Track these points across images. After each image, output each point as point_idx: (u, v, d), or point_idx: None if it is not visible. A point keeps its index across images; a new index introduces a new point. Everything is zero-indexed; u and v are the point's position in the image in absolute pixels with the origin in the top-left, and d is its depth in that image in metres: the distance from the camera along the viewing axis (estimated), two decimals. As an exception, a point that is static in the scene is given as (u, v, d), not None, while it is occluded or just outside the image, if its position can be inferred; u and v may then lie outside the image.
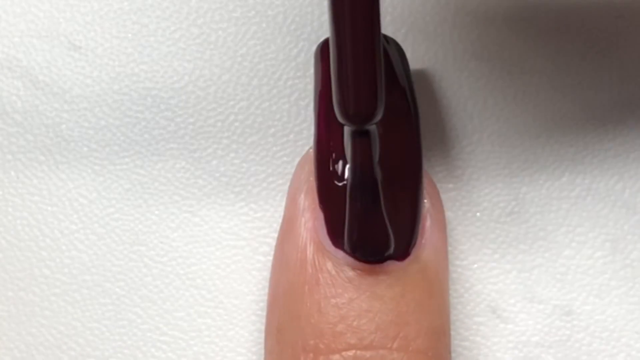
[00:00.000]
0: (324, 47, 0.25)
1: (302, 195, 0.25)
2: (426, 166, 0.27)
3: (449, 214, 0.27)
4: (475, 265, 0.27)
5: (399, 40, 0.26)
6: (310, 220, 0.24)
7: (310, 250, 0.24)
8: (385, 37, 0.25)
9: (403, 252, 0.24)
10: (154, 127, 0.28)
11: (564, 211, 0.27)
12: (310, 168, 0.25)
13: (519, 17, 0.27)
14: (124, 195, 0.28)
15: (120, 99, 0.28)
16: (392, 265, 0.24)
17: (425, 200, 0.25)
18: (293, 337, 0.24)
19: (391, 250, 0.24)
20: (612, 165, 0.27)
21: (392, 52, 0.25)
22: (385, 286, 0.24)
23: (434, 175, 0.27)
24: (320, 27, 0.27)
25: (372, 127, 0.22)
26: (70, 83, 0.28)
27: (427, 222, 0.25)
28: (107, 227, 0.28)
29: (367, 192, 0.23)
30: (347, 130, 0.23)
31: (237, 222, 0.27)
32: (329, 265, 0.24)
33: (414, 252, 0.24)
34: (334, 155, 0.24)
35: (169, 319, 0.27)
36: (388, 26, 0.27)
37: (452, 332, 0.27)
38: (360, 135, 0.22)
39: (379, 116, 0.21)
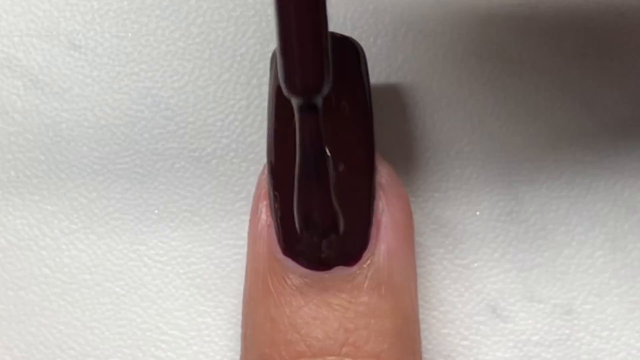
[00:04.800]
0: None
1: (259, 202, 0.24)
2: (426, 166, 0.27)
3: (448, 214, 0.27)
4: (475, 265, 0.27)
5: (398, 40, 0.26)
6: (265, 228, 0.24)
7: (263, 259, 0.24)
8: (344, 36, 0.25)
9: (353, 256, 0.24)
10: (154, 127, 0.28)
11: (564, 211, 0.27)
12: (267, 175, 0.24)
13: (519, 17, 0.27)
14: (124, 195, 0.28)
15: (120, 98, 0.28)
16: (340, 271, 0.24)
17: (381, 202, 0.24)
18: (253, 345, 0.24)
19: (340, 230, 0.23)
20: (612, 165, 0.27)
21: (344, 50, 0.24)
22: (332, 293, 0.24)
23: (433, 175, 0.27)
24: (320, 26, 0.27)
25: (320, 102, 0.21)
26: (70, 83, 0.28)
27: (382, 224, 0.24)
28: (107, 226, 0.28)
29: (316, 170, 0.22)
30: (295, 106, 0.22)
31: (237, 222, 0.27)
32: (280, 273, 0.24)
33: (364, 257, 0.24)
34: (286, 161, 0.23)
35: (169, 318, 0.27)
36: (388, 26, 0.27)
37: (452, 332, 0.27)
38: (308, 110, 0.21)
39: (326, 87, 0.21)
